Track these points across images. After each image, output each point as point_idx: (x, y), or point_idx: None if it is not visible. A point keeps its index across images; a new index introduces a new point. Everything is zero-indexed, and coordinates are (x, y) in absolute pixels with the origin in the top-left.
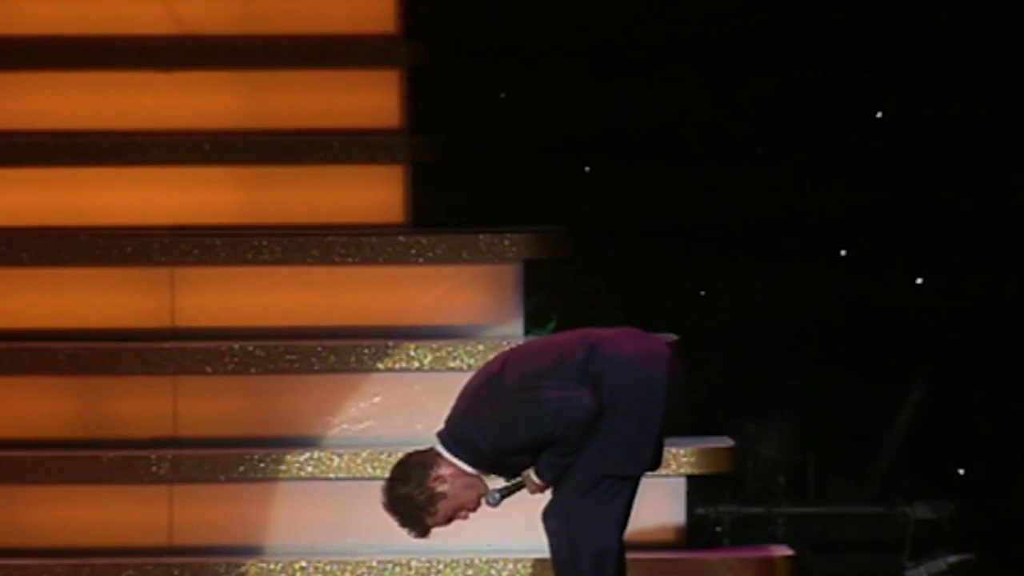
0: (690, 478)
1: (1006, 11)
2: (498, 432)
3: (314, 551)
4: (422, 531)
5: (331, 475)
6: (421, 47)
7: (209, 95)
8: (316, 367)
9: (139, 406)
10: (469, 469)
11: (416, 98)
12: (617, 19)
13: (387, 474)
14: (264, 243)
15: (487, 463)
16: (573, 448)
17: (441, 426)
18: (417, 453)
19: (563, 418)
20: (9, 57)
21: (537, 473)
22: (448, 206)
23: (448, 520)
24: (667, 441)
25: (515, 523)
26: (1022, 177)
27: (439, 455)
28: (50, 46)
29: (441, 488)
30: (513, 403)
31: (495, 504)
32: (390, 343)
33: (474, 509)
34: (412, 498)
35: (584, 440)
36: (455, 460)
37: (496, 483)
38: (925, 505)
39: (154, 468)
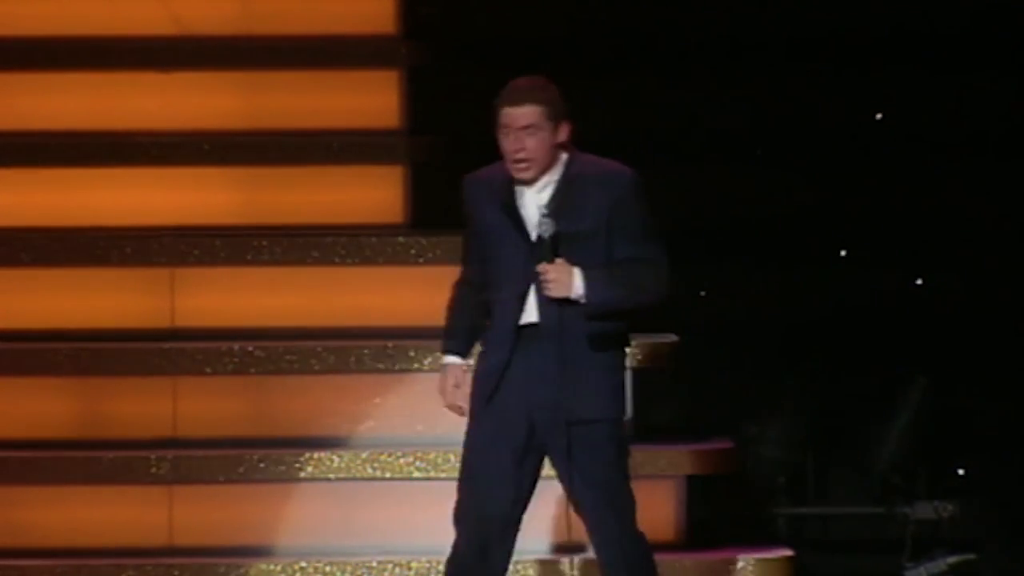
0: (690, 478)
1: (1002, 12)
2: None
3: (314, 551)
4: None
5: (331, 476)
6: (421, 48)
7: (209, 96)
8: (316, 368)
9: (139, 407)
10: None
11: (415, 99)
12: (617, 19)
13: (387, 475)
14: (264, 244)
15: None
16: (629, 292)
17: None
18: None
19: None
20: (9, 57)
21: (587, 277)
22: (448, 206)
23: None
24: (668, 441)
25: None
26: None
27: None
28: (50, 47)
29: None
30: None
31: (545, 229)
32: (390, 344)
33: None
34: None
35: (638, 297)
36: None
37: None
38: (925, 505)
39: (154, 469)
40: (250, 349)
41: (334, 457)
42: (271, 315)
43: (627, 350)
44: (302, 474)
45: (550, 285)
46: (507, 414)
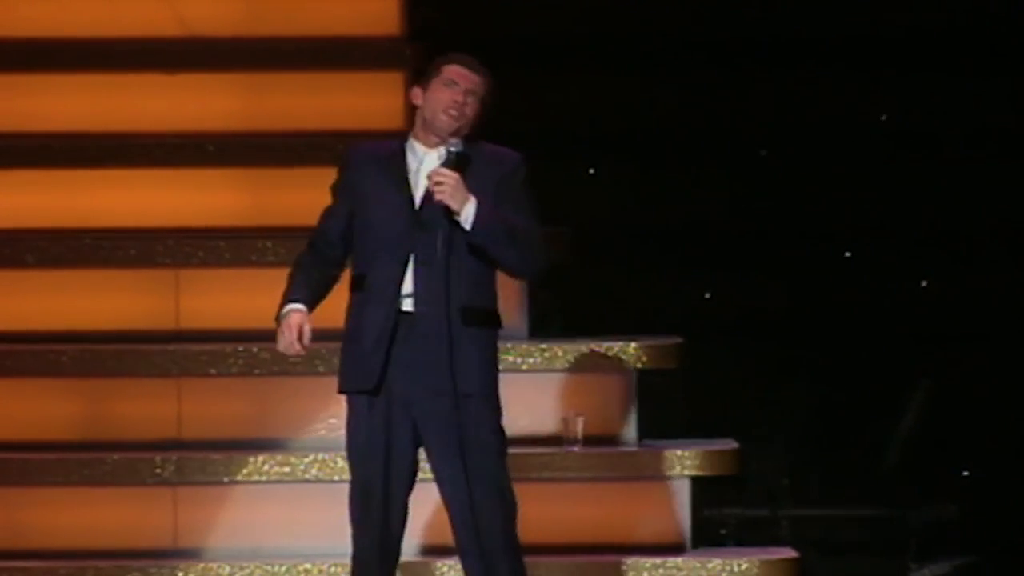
0: (694, 480)
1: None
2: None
3: (319, 553)
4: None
5: (335, 477)
6: (425, 49)
7: (213, 97)
8: (320, 369)
9: (143, 408)
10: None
11: None
12: (624, 19)
13: None
14: (268, 245)
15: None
16: (510, 234)
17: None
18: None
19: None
20: (12, 59)
21: (478, 207)
22: None
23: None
24: (672, 443)
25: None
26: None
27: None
28: (54, 48)
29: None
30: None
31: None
32: None
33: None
34: None
35: (516, 244)
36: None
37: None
38: (929, 508)
39: (158, 470)
40: (255, 350)
41: (339, 459)
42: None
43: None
44: (307, 476)
45: (445, 189)
46: (387, 397)
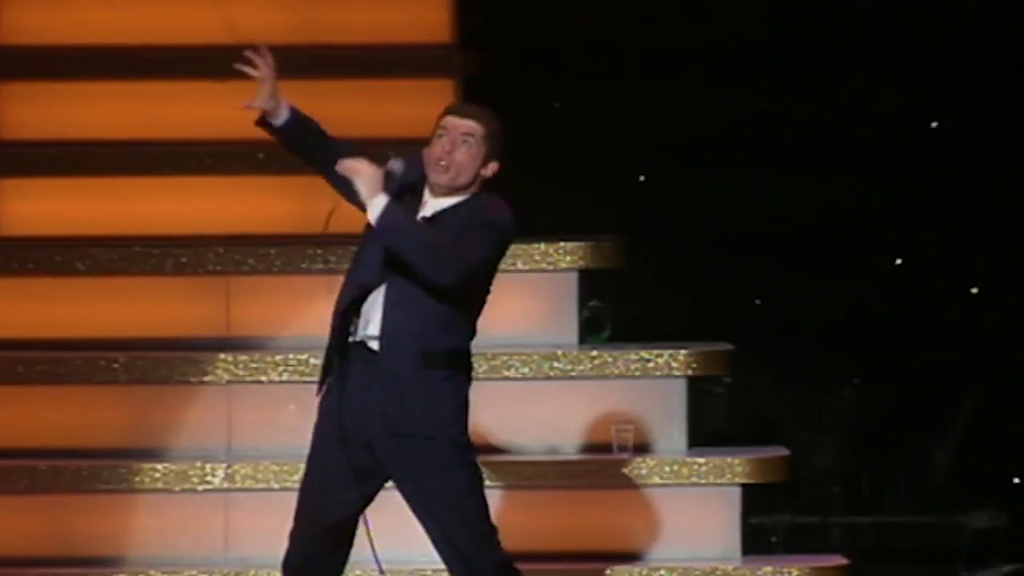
0: (744, 487)
1: None
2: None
3: (370, 559)
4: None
5: (387, 485)
6: (475, 57)
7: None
8: None
9: (194, 415)
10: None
11: None
12: (674, 26)
13: None
14: (318, 252)
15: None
16: (422, 235)
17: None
18: None
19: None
20: (64, 66)
21: (387, 203)
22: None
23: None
24: (722, 450)
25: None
26: None
27: None
28: (104, 56)
29: None
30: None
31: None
32: None
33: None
34: None
35: (426, 246)
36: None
37: None
38: (980, 514)
39: (209, 478)
40: (305, 358)
41: None
42: (326, 324)
43: (471, 371)
44: None
45: (360, 173)
46: (343, 429)
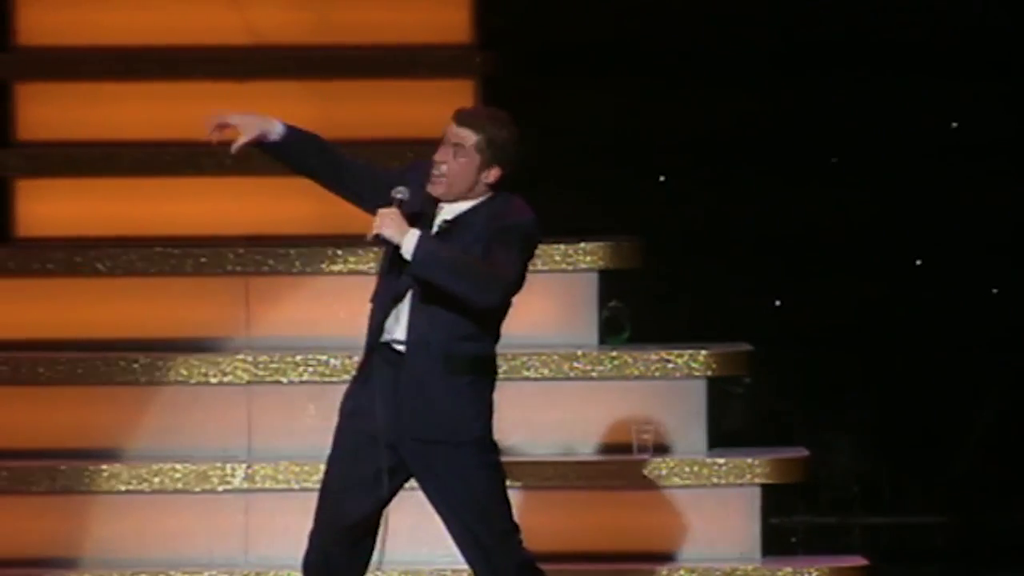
0: (765, 488)
1: None
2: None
3: (388, 560)
4: None
5: (408, 485)
6: (495, 57)
7: (284, 105)
8: None
9: (213, 416)
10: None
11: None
12: (695, 27)
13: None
14: (338, 253)
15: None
16: (457, 266)
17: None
18: None
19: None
20: (83, 68)
21: (419, 240)
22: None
23: None
24: (742, 450)
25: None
26: None
27: None
28: (123, 56)
29: None
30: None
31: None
32: None
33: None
34: None
35: (463, 276)
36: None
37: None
38: (1001, 515)
39: (229, 478)
40: (325, 358)
41: None
42: (345, 324)
43: (495, 375)
44: None
45: (382, 222)
46: (367, 430)
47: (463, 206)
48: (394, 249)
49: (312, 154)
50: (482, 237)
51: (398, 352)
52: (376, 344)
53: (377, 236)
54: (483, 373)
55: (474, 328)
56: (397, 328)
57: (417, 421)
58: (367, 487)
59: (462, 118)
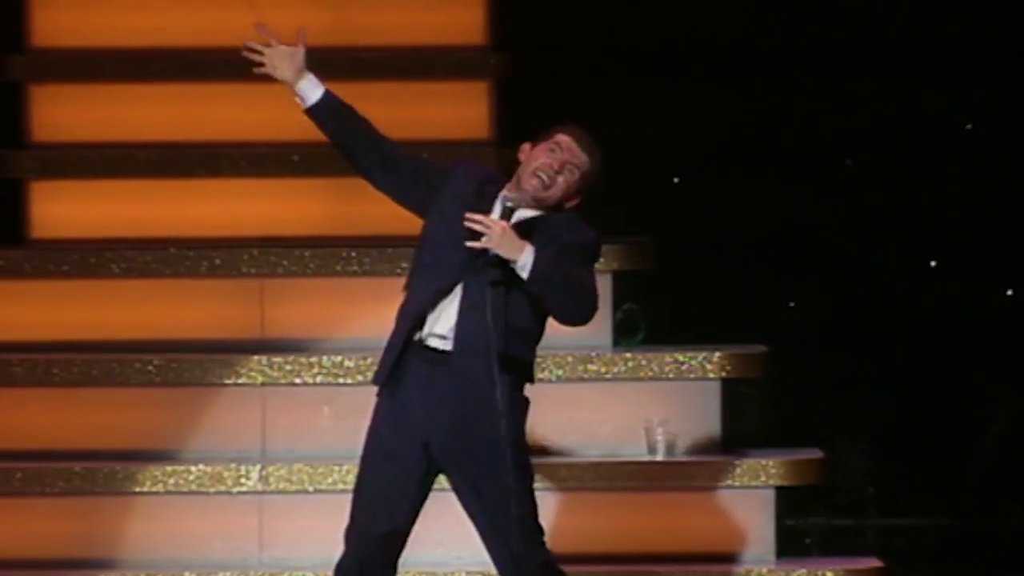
0: (779, 489)
1: None
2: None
3: (403, 561)
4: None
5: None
6: (510, 59)
7: (298, 107)
8: None
9: (228, 418)
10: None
11: (504, 108)
12: (709, 28)
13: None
14: (353, 255)
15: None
16: (566, 290)
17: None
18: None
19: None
20: (97, 69)
21: (536, 255)
22: None
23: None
24: (756, 452)
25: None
26: None
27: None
28: (138, 58)
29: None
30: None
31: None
32: None
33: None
34: None
35: (570, 298)
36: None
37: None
38: (1016, 517)
39: (244, 480)
40: (339, 360)
41: None
42: (360, 326)
43: (534, 377)
44: None
45: (492, 237)
46: (403, 431)
47: (533, 212)
48: (436, 249)
49: (349, 123)
50: (549, 246)
51: (434, 349)
52: (410, 339)
53: (486, 251)
54: (526, 372)
55: (522, 329)
56: (437, 325)
57: (459, 418)
58: (401, 492)
59: (584, 142)
